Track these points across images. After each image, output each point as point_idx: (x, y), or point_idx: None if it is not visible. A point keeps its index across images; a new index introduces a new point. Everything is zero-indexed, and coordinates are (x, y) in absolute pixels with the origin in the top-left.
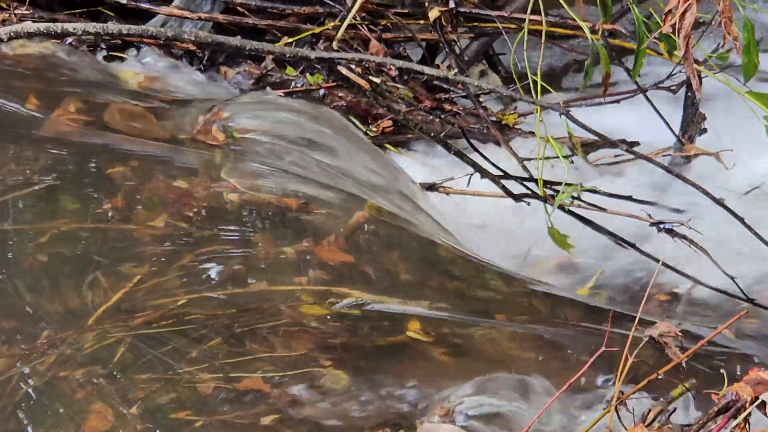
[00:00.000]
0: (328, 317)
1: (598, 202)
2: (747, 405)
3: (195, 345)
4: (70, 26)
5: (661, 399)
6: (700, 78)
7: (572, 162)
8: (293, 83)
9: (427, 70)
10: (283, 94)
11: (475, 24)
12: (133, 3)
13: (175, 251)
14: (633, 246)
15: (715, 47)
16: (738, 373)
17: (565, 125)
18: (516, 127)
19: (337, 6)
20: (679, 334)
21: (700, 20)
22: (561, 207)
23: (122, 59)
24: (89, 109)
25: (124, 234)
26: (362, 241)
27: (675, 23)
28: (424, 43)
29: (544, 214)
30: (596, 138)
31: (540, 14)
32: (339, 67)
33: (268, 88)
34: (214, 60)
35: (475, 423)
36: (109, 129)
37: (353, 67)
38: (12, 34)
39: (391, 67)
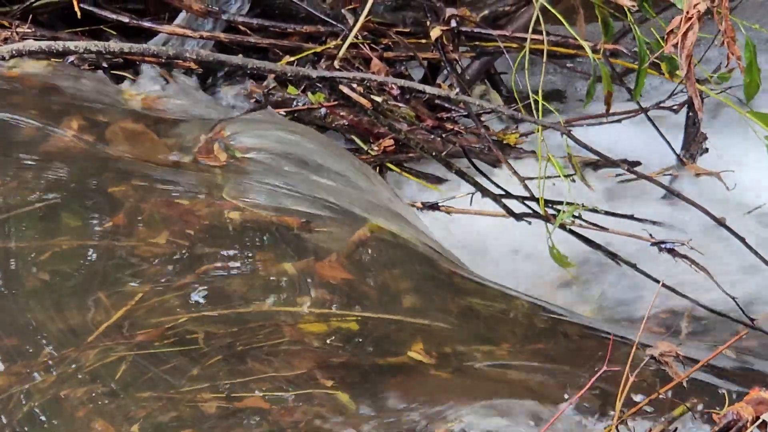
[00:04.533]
0: (330, 336)
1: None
2: (748, 425)
3: (196, 363)
4: (71, 44)
5: (663, 419)
6: (701, 98)
7: (573, 181)
8: (295, 102)
9: (428, 89)
10: (284, 113)
11: (477, 43)
12: (134, 22)
13: (176, 269)
14: (633, 266)
15: (716, 67)
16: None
17: (566, 145)
18: (517, 146)
19: (338, 25)
20: (680, 353)
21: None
22: (562, 226)
23: (124, 78)
24: (91, 127)
25: (126, 252)
26: (363, 260)
27: (677, 43)
28: (425, 62)
29: (546, 233)
30: (598, 158)
31: (542, 33)
32: (341, 86)
33: (269, 107)
34: (216, 79)
35: None
36: (111, 147)
37: (355, 86)
38: (14, 52)
39: (393, 86)
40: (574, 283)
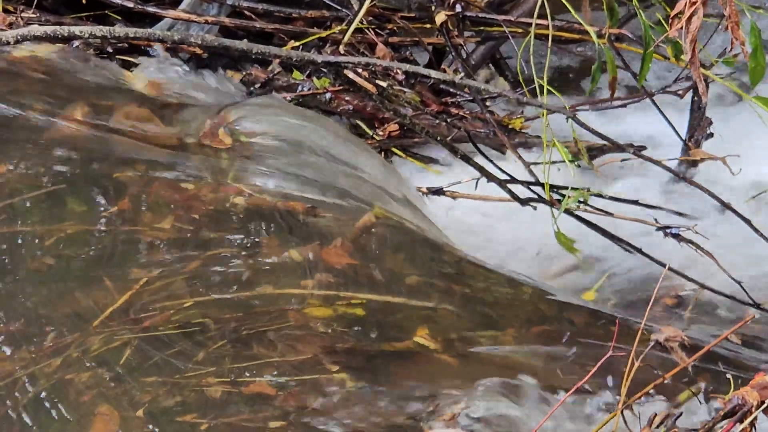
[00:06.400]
0: (335, 321)
1: (605, 206)
2: (753, 409)
3: (201, 348)
4: (76, 29)
5: (668, 403)
6: (706, 82)
7: (578, 166)
8: (300, 87)
9: (433, 73)
10: (289, 98)
11: (482, 28)
12: (139, 7)
13: (181, 254)
14: (639, 250)
15: (721, 51)
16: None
17: (571, 129)
18: (523, 131)
19: (343, 10)
20: (686, 338)
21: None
22: (568, 211)
23: (129, 63)
24: (96, 112)
25: (131, 237)
26: (368, 245)
27: (682, 27)
28: (430, 47)
29: (551, 218)
30: (604, 142)
31: (547, 18)
32: (346, 71)
33: (274, 92)
34: (220, 64)
35: (480, 426)
36: (116, 132)
37: (360, 71)
38: (19, 37)
39: (398, 71)
40: (579, 267)
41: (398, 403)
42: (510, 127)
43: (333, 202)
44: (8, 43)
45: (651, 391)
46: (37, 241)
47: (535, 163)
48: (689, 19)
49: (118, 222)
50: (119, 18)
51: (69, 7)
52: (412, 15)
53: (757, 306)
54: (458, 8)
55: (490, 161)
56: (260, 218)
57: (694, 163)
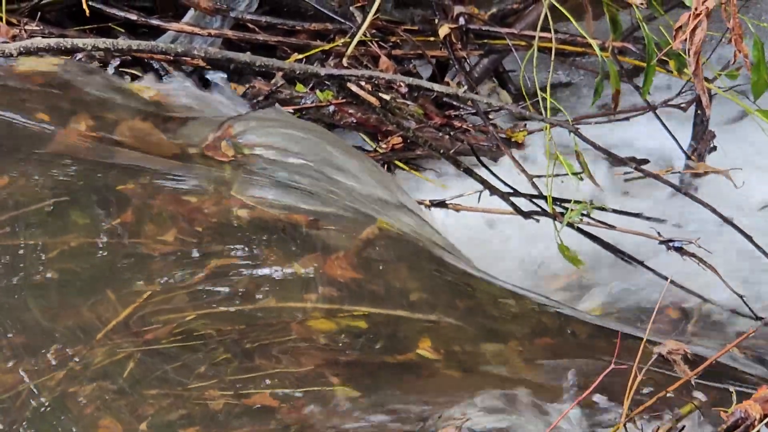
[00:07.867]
0: (338, 334)
1: (608, 219)
2: (756, 423)
3: (204, 361)
4: (79, 42)
5: (670, 417)
6: (709, 95)
7: (581, 179)
8: (303, 100)
9: (436, 87)
10: (292, 111)
11: (485, 41)
12: (143, 19)
13: (184, 267)
14: (641, 264)
15: (724, 64)
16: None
17: (574, 143)
18: (526, 144)
19: (347, 23)
20: (688, 351)
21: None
22: (570, 224)
23: (132, 76)
24: (99, 125)
25: (134, 250)
26: (371, 258)
27: (686, 40)
28: (434, 60)
29: (554, 231)
30: (605, 156)
31: (550, 32)
32: (349, 84)
33: (277, 105)
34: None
35: None
36: (119, 145)
37: (363, 83)
38: (22, 49)
39: (401, 83)
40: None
41: (400, 416)
42: (513, 140)
43: (336, 214)
44: (11, 56)
45: (654, 405)
46: (40, 253)
47: (538, 176)
48: (693, 31)
49: (121, 235)
50: (122, 30)
51: (72, 19)
52: (416, 28)
53: (759, 320)
54: (461, 21)
55: (493, 174)
56: (263, 231)
57: (698, 176)
